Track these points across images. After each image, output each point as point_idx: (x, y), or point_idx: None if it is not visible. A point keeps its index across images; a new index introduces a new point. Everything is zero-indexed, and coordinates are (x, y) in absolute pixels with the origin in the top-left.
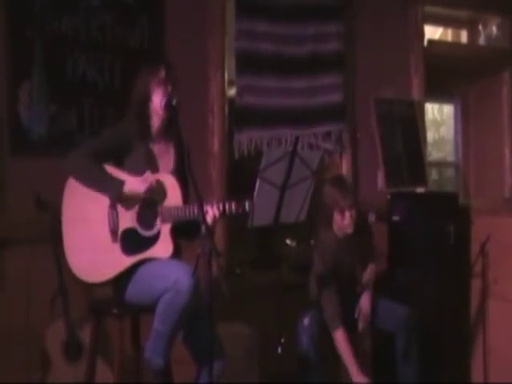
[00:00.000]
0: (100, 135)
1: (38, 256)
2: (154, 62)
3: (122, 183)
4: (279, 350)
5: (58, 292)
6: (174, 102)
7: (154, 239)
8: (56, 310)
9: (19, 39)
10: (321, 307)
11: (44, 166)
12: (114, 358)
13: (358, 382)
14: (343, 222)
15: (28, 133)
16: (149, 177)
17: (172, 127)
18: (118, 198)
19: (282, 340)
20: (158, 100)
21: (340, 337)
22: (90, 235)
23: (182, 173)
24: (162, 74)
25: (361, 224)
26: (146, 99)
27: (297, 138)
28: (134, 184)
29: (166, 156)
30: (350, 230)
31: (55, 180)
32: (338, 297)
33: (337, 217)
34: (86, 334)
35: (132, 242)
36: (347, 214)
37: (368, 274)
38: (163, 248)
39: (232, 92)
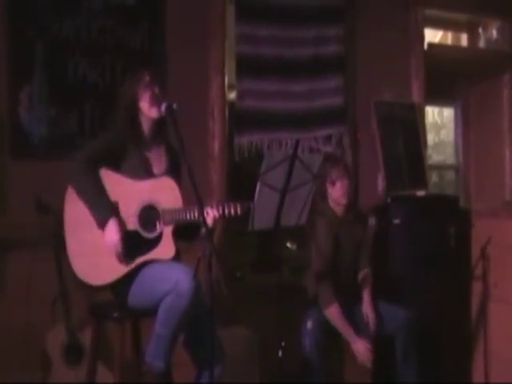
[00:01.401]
0: (96, 140)
1: (38, 258)
2: (139, 69)
3: (107, 218)
4: (280, 352)
5: (58, 295)
6: (175, 106)
7: (156, 241)
8: (57, 314)
9: (20, 41)
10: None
11: (45, 168)
12: (114, 361)
13: (357, 346)
14: (336, 194)
15: (29, 135)
16: (117, 245)
17: (163, 130)
18: (103, 226)
19: (283, 343)
20: (146, 104)
21: (335, 313)
22: (93, 238)
23: (174, 174)
24: (147, 78)
25: (360, 223)
26: (134, 105)
27: (297, 142)
28: (110, 231)
29: (158, 158)
30: (343, 201)
31: (56, 182)
32: (334, 278)
33: (330, 190)
34: (86, 338)
35: (134, 244)
36: (338, 184)
37: (364, 276)
38: (165, 250)
39: (232, 95)
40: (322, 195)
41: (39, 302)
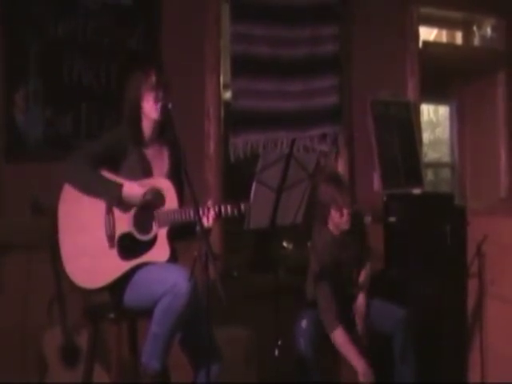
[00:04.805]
0: (96, 140)
1: (34, 260)
2: (146, 66)
3: (120, 187)
4: (276, 352)
5: (54, 297)
6: (170, 105)
7: (151, 243)
8: (53, 315)
9: (15, 42)
10: (318, 308)
11: (40, 169)
12: (111, 362)
13: (360, 370)
14: (341, 220)
15: (24, 137)
16: (145, 182)
17: (165, 131)
18: (117, 201)
19: (279, 342)
20: (148, 105)
21: (340, 337)
22: (87, 241)
23: (176, 176)
24: (153, 79)
25: (357, 223)
26: (138, 104)
27: (293, 141)
28: (132, 187)
29: (159, 160)
30: (346, 227)
31: (52, 184)
32: (335, 297)
33: (334, 214)
34: (83, 339)
35: (129, 246)
36: (345, 211)
37: (363, 276)
38: (160, 252)
39: (228, 95)
40: (323, 219)
41: (36, 303)
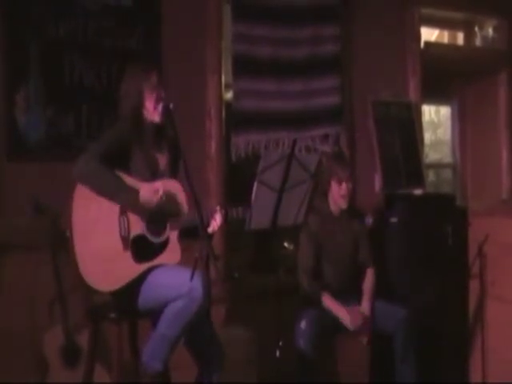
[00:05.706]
0: (102, 138)
1: (35, 261)
2: (145, 66)
3: (137, 194)
4: (278, 353)
5: (55, 297)
6: (171, 106)
7: (163, 246)
8: (54, 315)
9: (16, 42)
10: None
11: (41, 170)
12: (112, 363)
13: (346, 317)
14: (339, 193)
15: (25, 137)
16: (159, 187)
17: (165, 128)
18: (133, 208)
19: (280, 343)
20: (151, 106)
21: (327, 300)
22: (102, 242)
23: (173, 173)
24: (155, 79)
25: (356, 210)
26: (140, 105)
27: (294, 141)
28: (148, 192)
29: (161, 156)
30: (344, 205)
31: (53, 184)
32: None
33: (334, 186)
34: (84, 339)
35: (142, 249)
36: (344, 185)
37: (368, 281)
38: (172, 255)
39: (229, 95)
40: (322, 191)
41: (36, 303)
